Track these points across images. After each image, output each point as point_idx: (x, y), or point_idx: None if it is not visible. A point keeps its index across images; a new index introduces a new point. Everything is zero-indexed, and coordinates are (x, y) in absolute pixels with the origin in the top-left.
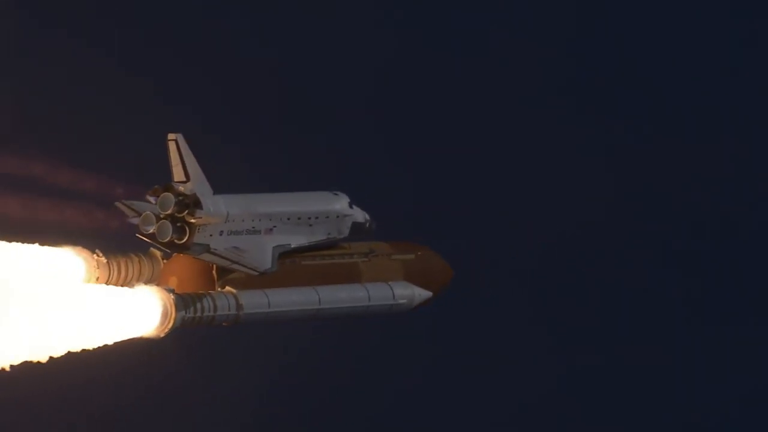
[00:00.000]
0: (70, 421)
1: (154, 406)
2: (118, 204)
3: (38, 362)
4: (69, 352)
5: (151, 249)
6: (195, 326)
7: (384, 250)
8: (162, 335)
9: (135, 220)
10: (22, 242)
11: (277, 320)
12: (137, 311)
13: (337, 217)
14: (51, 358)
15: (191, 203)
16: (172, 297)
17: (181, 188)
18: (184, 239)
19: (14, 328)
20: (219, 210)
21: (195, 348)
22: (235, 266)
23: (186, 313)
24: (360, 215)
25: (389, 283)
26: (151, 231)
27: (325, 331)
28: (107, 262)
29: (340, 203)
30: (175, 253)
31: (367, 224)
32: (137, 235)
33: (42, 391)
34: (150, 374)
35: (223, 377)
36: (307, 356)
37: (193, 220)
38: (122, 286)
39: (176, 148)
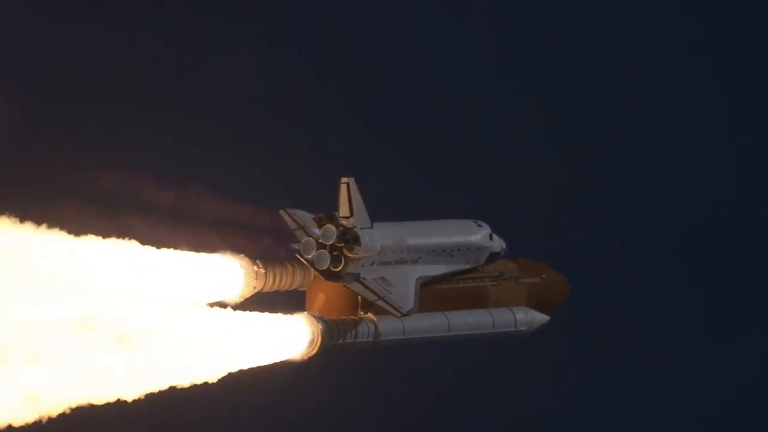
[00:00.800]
0: None
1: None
2: (281, 212)
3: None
4: (226, 373)
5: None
6: (336, 351)
7: (512, 272)
8: (306, 359)
9: (296, 246)
10: (188, 250)
11: (410, 344)
12: (288, 337)
13: (477, 249)
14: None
15: (351, 239)
16: (320, 327)
17: (344, 222)
18: (339, 268)
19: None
20: (374, 246)
21: (334, 370)
22: (379, 302)
23: (330, 340)
24: (498, 245)
25: (512, 309)
26: (311, 256)
27: (449, 352)
28: (265, 272)
29: (482, 234)
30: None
31: (502, 252)
32: (296, 254)
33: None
34: (296, 395)
35: (361, 397)
36: (437, 376)
37: (350, 255)
38: (274, 291)
39: (347, 190)
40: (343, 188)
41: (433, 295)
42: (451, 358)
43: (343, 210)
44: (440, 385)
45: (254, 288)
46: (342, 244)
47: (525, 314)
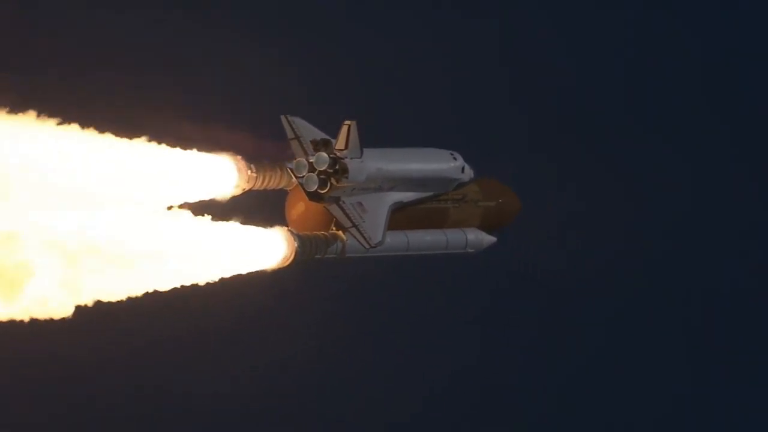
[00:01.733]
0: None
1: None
2: (282, 117)
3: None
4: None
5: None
6: (305, 264)
7: (474, 195)
8: (278, 269)
9: (290, 155)
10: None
11: (372, 260)
12: (263, 251)
13: (450, 180)
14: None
15: (340, 170)
16: (296, 244)
17: (337, 152)
18: (324, 192)
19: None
20: (360, 178)
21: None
22: (351, 230)
23: (303, 256)
24: (467, 176)
25: (465, 230)
26: (301, 176)
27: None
28: (256, 176)
29: (455, 166)
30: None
31: (469, 181)
32: (288, 167)
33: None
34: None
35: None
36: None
37: (336, 185)
38: (263, 189)
39: (347, 131)
40: (344, 128)
41: (398, 214)
42: (409, 271)
43: (340, 143)
44: (398, 297)
45: (244, 189)
46: (331, 171)
47: (475, 236)
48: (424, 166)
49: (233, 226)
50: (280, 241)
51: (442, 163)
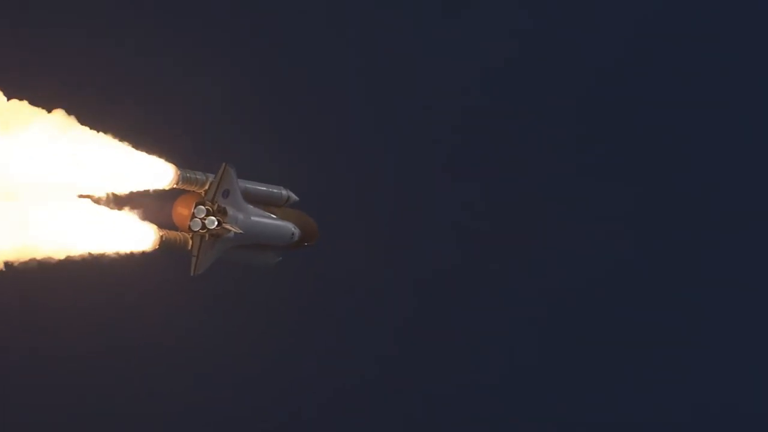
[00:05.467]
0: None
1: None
2: (226, 165)
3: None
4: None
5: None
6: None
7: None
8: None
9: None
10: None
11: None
12: (129, 237)
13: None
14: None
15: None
16: (161, 236)
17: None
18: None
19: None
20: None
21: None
22: (192, 253)
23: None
24: (297, 235)
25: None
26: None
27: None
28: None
29: (295, 232)
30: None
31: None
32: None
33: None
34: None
35: None
36: None
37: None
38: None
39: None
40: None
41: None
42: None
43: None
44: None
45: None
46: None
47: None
48: (276, 232)
49: (111, 212)
50: (149, 233)
51: (286, 233)
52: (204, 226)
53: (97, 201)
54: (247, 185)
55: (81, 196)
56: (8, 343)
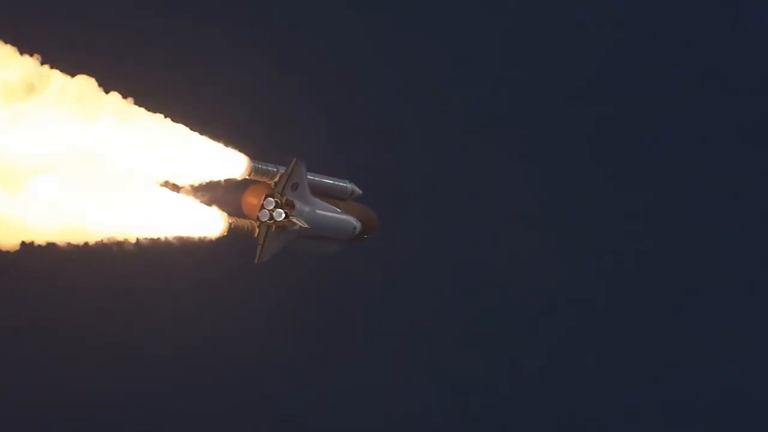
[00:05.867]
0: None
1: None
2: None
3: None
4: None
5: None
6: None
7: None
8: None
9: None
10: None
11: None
12: (200, 226)
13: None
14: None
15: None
16: (230, 222)
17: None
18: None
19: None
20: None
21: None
22: (258, 240)
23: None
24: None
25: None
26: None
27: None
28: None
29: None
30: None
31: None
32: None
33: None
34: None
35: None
36: None
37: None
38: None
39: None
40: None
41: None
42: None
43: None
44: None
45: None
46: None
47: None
48: (338, 224)
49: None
50: (219, 221)
51: (348, 227)
52: (271, 217)
53: (175, 189)
54: (315, 179)
55: (161, 185)
56: (90, 322)
